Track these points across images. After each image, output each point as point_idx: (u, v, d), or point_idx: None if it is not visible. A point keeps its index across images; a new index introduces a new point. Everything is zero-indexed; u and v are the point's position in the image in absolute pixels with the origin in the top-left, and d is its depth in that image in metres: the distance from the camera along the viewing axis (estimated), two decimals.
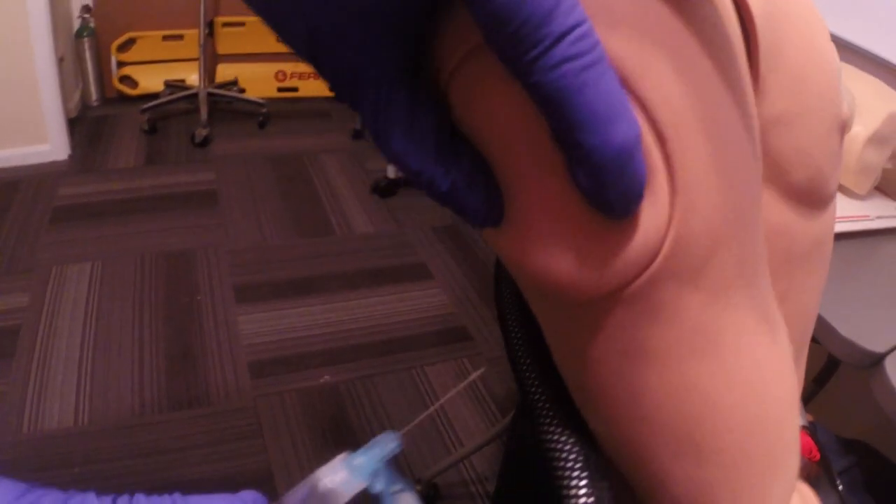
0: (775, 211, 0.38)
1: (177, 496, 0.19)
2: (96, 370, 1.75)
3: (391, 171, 2.67)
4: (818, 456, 0.61)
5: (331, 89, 0.27)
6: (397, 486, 0.28)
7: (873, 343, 0.86)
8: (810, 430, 0.67)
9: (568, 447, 0.34)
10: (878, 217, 1.16)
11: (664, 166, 0.26)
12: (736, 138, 0.28)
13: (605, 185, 0.24)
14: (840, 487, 0.62)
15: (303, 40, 0.25)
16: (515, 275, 0.31)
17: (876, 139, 1.13)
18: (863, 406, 1.31)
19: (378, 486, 0.27)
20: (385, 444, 0.28)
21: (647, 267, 0.27)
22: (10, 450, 1.52)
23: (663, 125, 0.26)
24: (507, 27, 0.22)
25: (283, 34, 0.26)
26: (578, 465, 0.33)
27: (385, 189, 2.68)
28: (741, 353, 0.31)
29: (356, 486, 0.26)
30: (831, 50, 0.38)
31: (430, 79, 0.29)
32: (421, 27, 0.26)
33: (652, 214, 0.26)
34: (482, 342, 1.97)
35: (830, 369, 1.25)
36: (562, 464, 0.33)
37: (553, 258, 0.28)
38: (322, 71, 0.26)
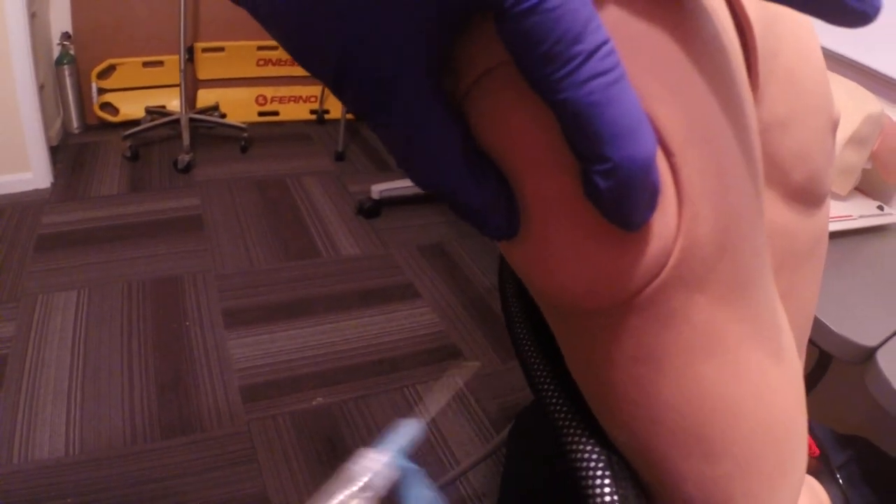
0: (777, 212, 0.39)
1: None
2: (86, 399, 1.73)
3: (375, 193, 2.69)
4: (817, 451, 0.63)
5: (352, 105, 0.26)
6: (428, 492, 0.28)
7: (864, 337, 0.88)
8: (808, 427, 0.70)
9: (588, 447, 0.35)
10: (861, 216, 1.19)
11: (671, 179, 0.27)
12: (737, 149, 0.29)
13: (628, 198, 0.25)
14: (840, 481, 0.64)
15: (334, 61, 0.25)
16: (529, 285, 0.32)
17: (855, 140, 1.15)
18: (857, 402, 1.33)
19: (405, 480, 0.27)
20: (409, 433, 0.28)
21: (657, 275, 0.28)
22: (1, 481, 1.51)
23: (670, 140, 0.27)
24: (540, 46, 0.22)
25: (305, 55, 0.26)
26: (601, 465, 0.34)
27: (369, 210, 2.70)
28: (748, 354, 0.32)
29: (387, 478, 0.26)
30: (820, 54, 0.39)
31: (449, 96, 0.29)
32: (450, 41, 0.26)
33: (661, 225, 0.27)
34: (471, 357, 1.99)
35: (822, 368, 1.27)
36: (584, 464, 0.34)
37: (568, 270, 0.29)
38: (348, 91, 0.26)
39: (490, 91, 0.27)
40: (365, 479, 0.24)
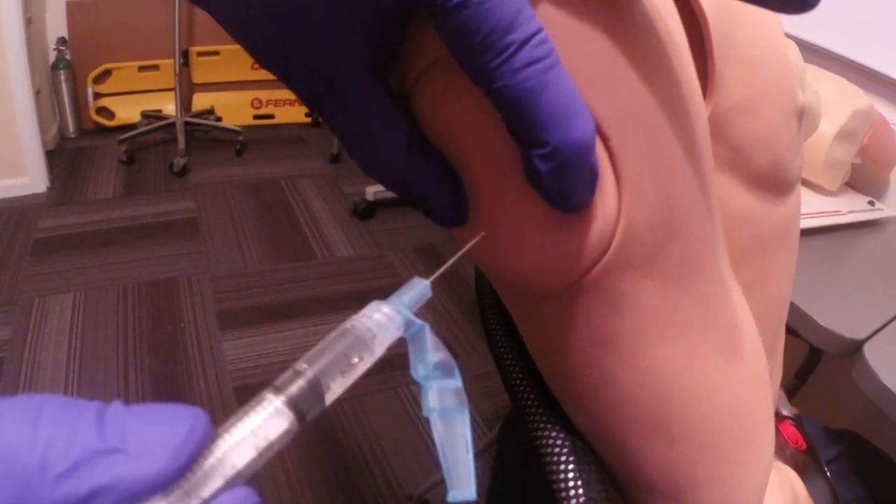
0: (738, 198, 0.39)
1: (120, 408, 0.19)
2: None
3: (370, 194, 2.70)
4: (804, 445, 0.63)
5: (303, 100, 0.28)
6: (439, 354, 0.27)
7: (852, 330, 0.88)
8: (796, 421, 0.69)
9: (553, 435, 0.35)
10: (850, 211, 1.19)
11: (609, 162, 0.28)
12: (678, 135, 0.29)
13: (567, 180, 0.26)
14: (828, 476, 0.64)
15: (277, 54, 0.26)
16: (483, 270, 0.33)
17: (843, 135, 1.15)
18: (849, 397, 1.33)
19: (413, 334, 0.26)
20: (416, 289, 0.27)
21: (601, 257, 0.29)
22: None
23: (605, 125, 0.27)
24: (474, 37, 0.23)
25: (258, 53, 0.27)
26: (566, 450, 0.35)
27: (364, 212, 2.71)
28: (703, 339, 0.32)
29: (393, 332, 0.25)
30: (783, 39, 0.40)
31: (395, 89, 0.30)
32: (391, 38, 0.27)
33: (602, 207, 0.28)
34: (466, 358, 1.99)
35: (812, 362, 1.26)
36: (549, 450, 0.35)
37: (515, 253, 0.30)
38: (296, 83, 0.27)
39: (432, 84, 0.28)
40: (369, 333, 0.24)
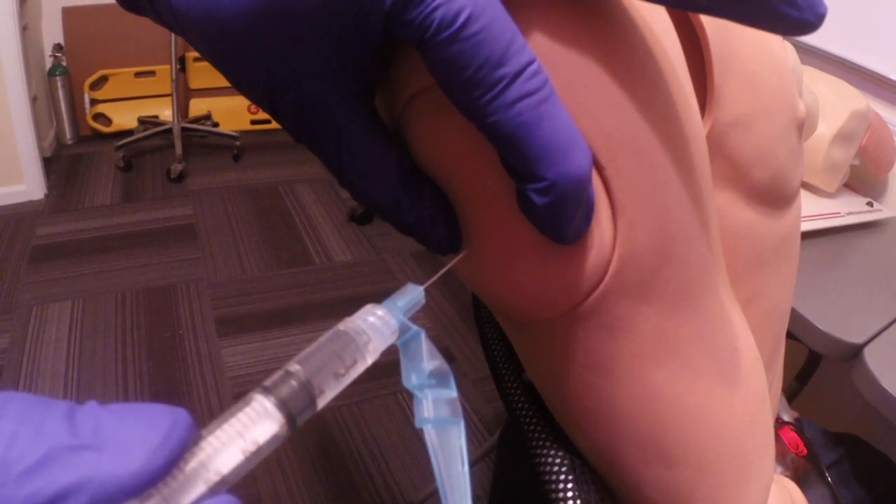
0: (738, 213, 0.38)
1: (94, 406, 0.17)
2: None
3: None
4: (805, 451, 0.63)
5: (291, 134, 0.27)
6: (435, 361, 0.25)
7: (852, 334, 0.88)
8: (796, 426, 0.69)
9: (552, 453, 0.35)
10: (849, 213, 1.18)
11: (604, 191, 0.27)
12: (674, 157, 0.29)
13: (563, 213, 0.25)
14: (829, 480, 0.64)
15: (262, 91, 0.25)
16: (478, 296, 0.33)
17: (841, 137, 1.15)
18: (849, 400, 1.32)
19: (406, 342, 0.26)
20: (410, 295, 0.25)
21: (598, 285, 0.28)
22: None
23: (600, 154, 0.27)
24: (463, 72, 0.22)
25: (241, 84, 0.26)
26: (564, 470, 0.35)
27: (361, 217, 2.70)
28: (701, 362, 0.32)
29: (388, 336, 0.24)
30: (784, 52, 0.39)
31: (385, 117, 0.29)
32: (377, 69, 0.26)
33: (598, 235, 0.28)
34: (465, 363, 1.99)
35: (812, 366, 1.26)
36: (548, 468, 0.35)
37: (509, 281, 0.29)
38: (282, 116, 0.26)
39: (423, 111, 0.28)
40: (363, 336, 0.23)
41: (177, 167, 2.91)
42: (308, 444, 1.68)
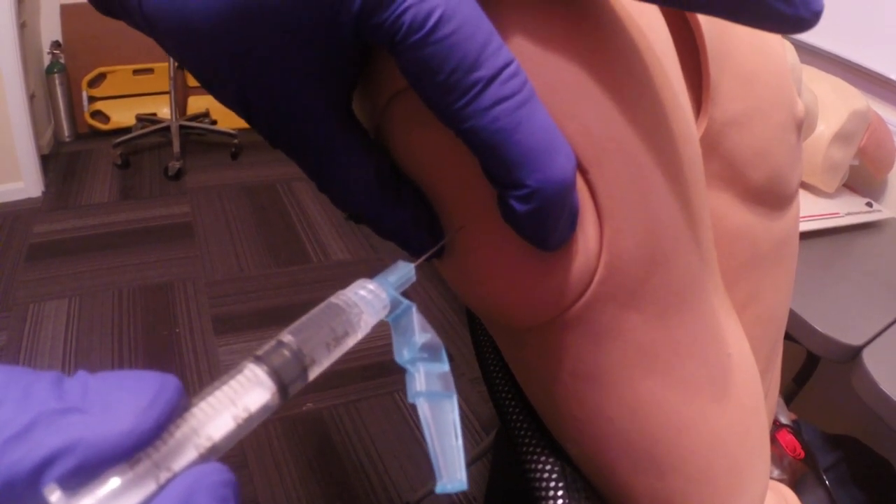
0: (735, 214, 0.38)
1: (82, 373, 0.17)
2: None
3: None
4: (802, 454, 0.62)
5: (267, 140, 0.26)
6: (427, 335, 0.24)
7: (850, 336, 0.88)
8: (794, 428, 0.68)
9: (543, 460, 0.35)
10: (848, 213, 1.18)
11: (589, 195, 0.27)
12: (662, 160, 0.28)
13: (547, 220, 0.24)
14: (826, 483, 0.63)
15: (234, 93, 0.25)
16: (464, 302, 0.32)
17: (840, 137, 1.14)
18: (848, 402, 1.32)
19: (397, 318, 0.24)
20: (401, 271, 0.25)
21: (584, 291, 0.28)
22: None
23: (584, 157, 0.26)
24: (436, 76, 0.21)
25: (214, 89, 0.25)
26: (555, 477, 0.34)
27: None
28: (691, 371, 0.31)
29: (379, 309, 0.23)
30: (783, 51, 0.39)
31: (365, 122, 0.29)
32: (352, 73, 0.26)
33: (582, 241, 0.27)
34: (462, 363, 1.98)
35: (810, 368, 1.26)
36: (538, 475, 0.34)
37: (493, 287, 0.29)
38: (257, 123, 0.26)
39: (402, 113, 0.27)
40: (354, 308, 0.23)
41: (174, 165, 2.90)
42: (304, 443, 1.68)
